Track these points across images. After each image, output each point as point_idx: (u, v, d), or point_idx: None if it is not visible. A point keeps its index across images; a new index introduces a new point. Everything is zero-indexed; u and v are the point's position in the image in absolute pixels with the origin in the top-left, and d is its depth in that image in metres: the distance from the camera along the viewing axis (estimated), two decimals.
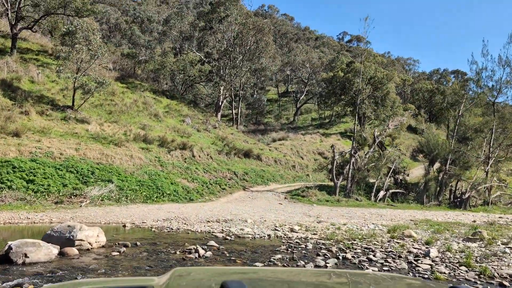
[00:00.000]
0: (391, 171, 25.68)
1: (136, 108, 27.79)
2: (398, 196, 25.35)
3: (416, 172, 32.52)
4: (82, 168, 16.96)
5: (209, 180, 22.50)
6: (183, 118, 30.62)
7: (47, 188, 14.98)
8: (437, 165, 27.37)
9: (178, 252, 8.03)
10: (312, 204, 20.65)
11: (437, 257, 8.01)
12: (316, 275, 2.29)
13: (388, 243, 9.53)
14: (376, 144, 26.34)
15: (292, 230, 11.30)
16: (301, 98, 54.61)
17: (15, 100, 20.82)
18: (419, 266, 7.27)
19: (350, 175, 24.03)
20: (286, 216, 15.10)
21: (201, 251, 7.98)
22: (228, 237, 9.99)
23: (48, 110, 21.51)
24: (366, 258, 7.91)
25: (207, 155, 25.60)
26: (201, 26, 40.85)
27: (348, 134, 43.85)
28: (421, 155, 35.90)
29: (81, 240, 7.93)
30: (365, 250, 8.77)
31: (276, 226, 11.90)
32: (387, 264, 7.50)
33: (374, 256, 8.09)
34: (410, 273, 6.84)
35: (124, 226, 11.35)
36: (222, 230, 11.04)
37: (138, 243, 8.73)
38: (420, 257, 8.02)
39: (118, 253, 7.74)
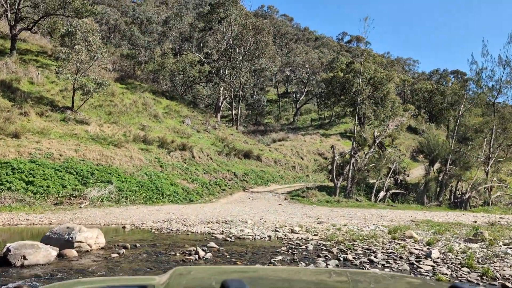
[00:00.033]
0: (391, 172, 25.64)
1: (136, 109, 27.75)
2: (398, 196, 25.31)
3: (416, 172, 32.48)
4: (82, 169, 16.91)
5: (209, 181, 22.45)
6: (183, 119, 30.58)
7: (47, 189, 14.93)
8: (437, 165, 27.34)
9: (178, 254, 7.98)
10: (312, 205, 20.60)
11: (438, 258, 7.97)
12: (316, 274, 2.29)
13: (389, 244, 9.48)
14: (376, 144, 26.30)
15: (292, 231, 11.25)
16: (300, 98, 54.58)
17: (15, 101, 20.77)
18: (421, 267, 7.22)
19: (350, 176, 23.98)
20: (286, 217, 15.05)
21: (201, 253, 7.93)
22: (228, 239, 9.94)
23: (47, 111, 21.46)
24: (367, 259, 7.86)
25: (207, 156, 25.55)
26: (200, 26, 40.83)
27: (348, 134, 43.82)
28: (421, 156, 35.87)
29: (80, 241, 7.87)
30: (366, 251, 8.73)
31: (276, 227, 11.85)
32: (389, 265, 7.45)
33: (375, 257, 8.04)
34: (412, 275, 6.79)
35: (124, 227, 11.30)
36: (222, 231, 10.99)
37: (138, 245, 8.68)
38: (421, 258, 7.97)
39: (117, 255, 7.68)
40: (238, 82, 39.34)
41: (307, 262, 7.54)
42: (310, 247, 9.02)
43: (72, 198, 15.15)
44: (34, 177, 15.17)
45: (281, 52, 61.46)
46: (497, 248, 8.88)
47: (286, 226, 12.22)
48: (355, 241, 9.70)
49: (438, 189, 25.64)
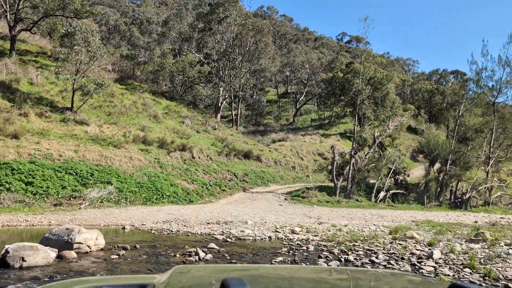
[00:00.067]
0: (391, 172, 25.60)
1: (135, 109, 27.70)
2: (398, 196, 25.27)
3: (416, 172, 32.45)
4: (81, 170, 16.86)
5: (209, 181, 22.40)
6: (183, 119, 30.53)
7: (46, 190, 14.88)
8: (437, 165, 27.31)
9: (178, 255, 7.93)
10: (313, 205, 20.56)
11: (440, 258, 7.92)
12: (316, 272, 2.29)
13: (390, 244, 9.44)
14: (376, 144, 26.27)
15: (293, 231, 11.21)
16: (300, 99, 54.54)
17: (14, 102, 20.72)
18: (422, 268, 7.17)
19: (350, 176, 23.94)
20: (287, 217, 15.01)
21: (201, 254, 7.88)
22: (228, 239, 9.89)
23: (47, 112, 21.41)
24: (369, 260, 7.82)
25: (207, 156, 25.50)
26: (200, 27, 40.79)
27: (347, 134, 43.79)
28: (421, 156, 35.85)
29: (79, 243, 7.82)
30: (368, 252, 8.68)
31: (276, 228, 11.80)
32: (390, 266, 7.41)
33: (376, 258, 8.00)
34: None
35: (124, 228, 11.25)
36: (222, 232, 10.94)
37: (138, 246, 8.63)
38: (423, 258, 7.92)
39: (117, 256, 7.63)
40: (238, 83, 39.30)
41: (308, 263, 7.49)
42: (311, 248, 8.98)
43: (71, 199, 15.11)
44: (33, 178, 15.13)
45: (280, 53, 61.43)
46: (499, 248, 8.83)
47: (286, 226, 12.17)
48: (356, 242, 9.66)
49: (439, 189, 25.61)
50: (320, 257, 8.11)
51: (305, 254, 8.44)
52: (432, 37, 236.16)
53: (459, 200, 24.64)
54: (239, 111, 41.72)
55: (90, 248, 7.99)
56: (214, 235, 10.41)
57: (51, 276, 6.07)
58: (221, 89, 37.89)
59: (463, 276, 6.71)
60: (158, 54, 39.91)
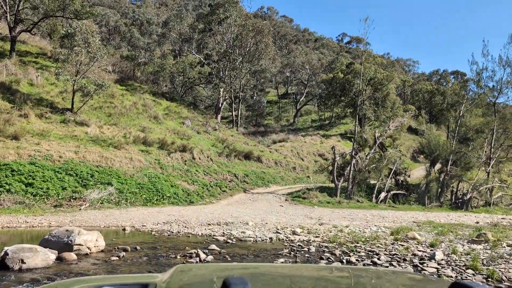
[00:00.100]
0: (392, 172, 25.53)
1: (136, 110, 27.67)
2: (399, 197, 25.21)
3: (417, 173, 32.41)
4: (82, 171, 16.82)
5: (209, 182, 22.35)
6: (183, 120, 30.50)
7: (46, 191, 14.84)
8: (438, 166, 27.26)
9: (178, 257, 7.88)
10: (313, 206, 20.51)
11: (442, 259, 7.87)
12: (317, 270, 2.29)
13: (392, 245, 9.38)
14: (377, 145, 26.22)
15: (294, 232, 11.15)
16: (301, 99, 54.51)
17: (14, 103, 20.69)
18: (425, 269, 7.12)
19: (351, 177, 23.89)
20: (288, 218, 14.95)
21: (202, 255, 7.83)
22: (229, 241, 9.84)
23: (47, 113, 21.38)
24: (371, 262, 7.77)
25: (207, 157, 25.46)
26: (200, 28, 40.77)
27: (348, 135, 43.73)
28: (422, 156, 35.82)
29: (79, 244, 7.77)
30: (369, 253, 8.63)
31: (277, 229, 11.75)
32: (392, 267, 7.35)
33: (378, 259, 7.95)
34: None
35: (124, 229, 11.20)
36: (223, 233, 10.89)
37: (138, 247, 8.58)
38: (425, 260, 7.87)
39: (117, 258, 7.59)
40: (238, 83, 39.27)
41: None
42: (312, 249, 8.93)
43: (72, 200, 15.06)
44: (33, 179, 15.08)
45: (281, 53, 61.45)
46: (501, 249, 8.78)
47: (287, 227, 12.12)
48: (358, 243, 9.60)
49: (439, 189, 25.55)
50: (321, 258, 8.06)
51: (306, 255, 8.39)
52: (432, 37, 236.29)
53: (460, 200, 24.59)
54: (239, 112, 41.69)
55: (90, 250, 7.95)
56: (215, 236, 10.36)
57: (51, 278, 6.02)
58: (222, 90, 37.86)
59: (466, 277, 6.66)
60: (158, 55, 39.88)
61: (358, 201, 22.76)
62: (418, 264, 7.52)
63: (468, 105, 29.46)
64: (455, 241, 9.94)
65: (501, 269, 7.05)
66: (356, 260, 7.91)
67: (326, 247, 9.25)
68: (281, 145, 37.12)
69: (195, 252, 8.06)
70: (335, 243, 9.61)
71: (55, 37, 27.32)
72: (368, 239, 10.07)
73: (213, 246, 8.80)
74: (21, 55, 27.37)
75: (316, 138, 42.00)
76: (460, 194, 25.27)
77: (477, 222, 15.18)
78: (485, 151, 27.69)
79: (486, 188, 25.62)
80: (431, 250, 8.68)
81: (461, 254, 8.30)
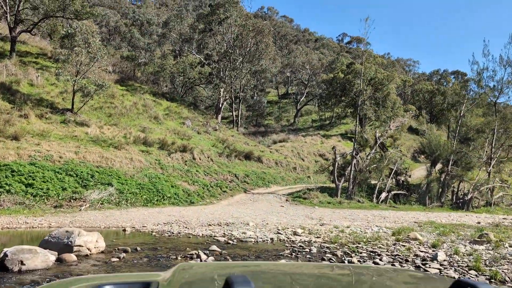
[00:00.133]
0: (393, 173, 25.49)
1: (136, 110, 27.63)
2: (400, 197, 25.16)
3: (417, 173, 32.36)
4: (82, 172, 16.78)
5: (210, 182, 22.31)
6: (183, 121, 30.46)
7: (46, 192, 14.80)
8: (439, 166, 27.21)
9: (179, 258, 7.83)
10: (314, 206, 20.46)
11: (445, 260, 7.82)
12: (318, 268, 2.30)
13: (394, 246, 9.34)
14: (377, 145, 26.17)
15: (295, 233, 11.10)
16: (301, 99, 54.47)
17: (14, 103, 20.66)
18: (427, 270, 7.07)
19: (351, 177, 23.84)
20: (288, 218, 14.91)
21: (203, 256, 7.78)
22: (230, 241, 9.79)
23: (47, 113, 21.34)
24: (373, 262, 7.72)
25: (208, 157, 25.42)
26: (200, 28, 40.73)
27: (348, 135, 43.68)
28: (423, 156, 35.76)
29: (79, 245, 7.73)
30: (371, 253, 8.58)
31: (278, 229, 11.70)
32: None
33: (380, 260, 7.90)
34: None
35: (124, 230, 11.15)
36: (224, 234, 10.84)
37: (139, 248, 8.54)
38: (427, 260, 7.82)
39: (117, 259, 7.54)
40: (239, 84, 39.23)
41: None
42: (314, 250, 8.88)
43: (72, 200, 15.02)
44: (33, 179, 15.04)
45: (281, 53, 61.42)
46: (504, 250, 8.73)
47: (288, 228, 12.08)
48: (359, 243, 9.56)
49: (440, 189, 25.50)
50: (323, 259, 8.01)
51: (308, 256, 8.34)
52: (432, 37, 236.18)
53: (461, 200, 24.53)
54: (239, 112, 41.64)
55: (90, 251, 7.90)
56: (215, 237, 10.31)
57: (51, 280, 5.98)
58: (222, 90, 37.83)
59: (468, 278, 6.61)
60: (158, 55, 39.86)
61: (359, 201, 22.71)
62: (420, 265, 7.47)
63: (468, 105, 29.41)
64: (457, 242, 9.89)
65: (504, 270, 7.00)
66: (358, 261, 7.86)
67: (327, 247, 9.20)
68: (282, 145, 37.08)
69: (195, 253, 8.01)
70: (336, 244, 9.56)
71: (55, 38, 27.29)
72: (370, 239, 10.02)
73: (214, 247, 8.76)
74: (21, 56, 27.34)
75: (317, 138, 41.95)
76: (461, 194, 25.22)
77: (479, 222, 15.13)
78: (486, 151, 27.65)
79: (487, 188, 25.57)
80: (433, 251, 8.63)
81: (464, 255, 8.25)
